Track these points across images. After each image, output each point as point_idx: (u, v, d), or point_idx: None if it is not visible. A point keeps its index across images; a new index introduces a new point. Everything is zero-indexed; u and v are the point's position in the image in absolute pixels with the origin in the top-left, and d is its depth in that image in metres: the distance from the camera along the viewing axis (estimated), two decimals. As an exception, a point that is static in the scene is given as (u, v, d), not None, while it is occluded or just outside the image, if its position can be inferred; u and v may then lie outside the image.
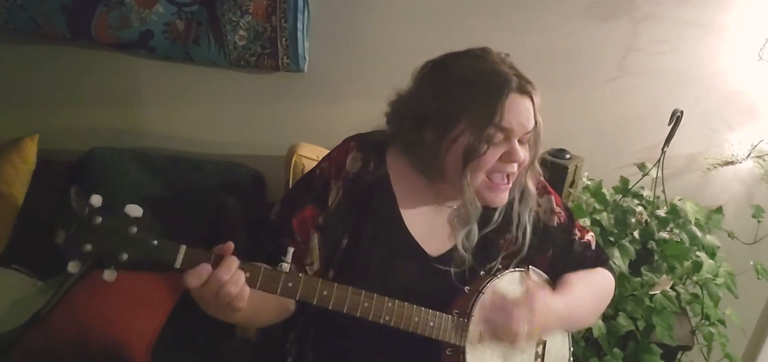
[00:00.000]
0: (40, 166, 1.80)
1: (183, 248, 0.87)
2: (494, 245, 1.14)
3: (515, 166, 1.06)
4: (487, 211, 1.12)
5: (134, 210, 0.86)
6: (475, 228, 1.10)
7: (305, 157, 1.62)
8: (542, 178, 1.20)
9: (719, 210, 1.68)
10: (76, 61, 1.84)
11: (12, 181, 1.74)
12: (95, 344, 1.41)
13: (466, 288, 1.10)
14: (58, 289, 1.61)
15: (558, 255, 1.22)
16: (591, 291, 1.21)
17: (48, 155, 1.83)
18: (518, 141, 1.04)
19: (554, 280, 1.20)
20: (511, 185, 1.09)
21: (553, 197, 1.22)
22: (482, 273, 1.12)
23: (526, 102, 1.02)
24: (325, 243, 1.09)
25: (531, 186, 1.14)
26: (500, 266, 1.13)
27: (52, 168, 1.83)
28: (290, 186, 1.57)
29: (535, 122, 1.05)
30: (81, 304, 1.50)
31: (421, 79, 1.08)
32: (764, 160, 1.72)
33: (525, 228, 1.15)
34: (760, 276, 1.62)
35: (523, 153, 1.05)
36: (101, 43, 1.76)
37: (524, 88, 1.02)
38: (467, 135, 1.01)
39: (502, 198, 1.08)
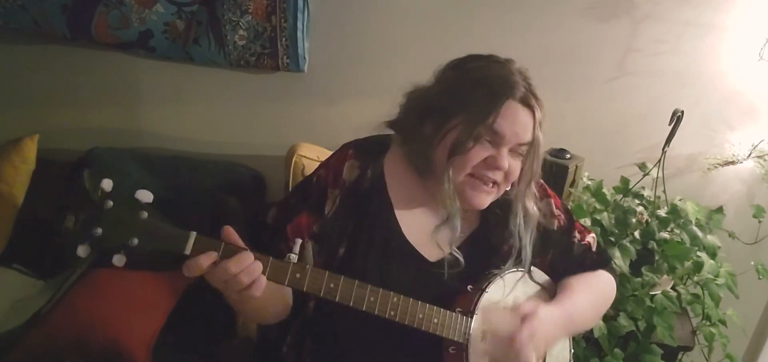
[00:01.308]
0: (40, 166, 1.80)
1: (193, 235, 0.87)
2: (496, 253, 1.14)
3: (500, 174, 1.04)
4: (499, 230, 1.12)
5: (145, 196, 0.85)
6: (457, 223, 1.07)
7: (305, 157, 1.62)
8: (541, 181, 1.19)
9: (720, 210, 1.67)
10: (76, 61, 1.84)
11: (12, 181, 1.73)
12: (95, 344, 1.40)
13: (469, 286, 1.10)
14: (58, 289, 1.61)
15: (558, 258, 1.22)
16: (592, 294, 1.21)
17: (48, 155, 1.82)
18: (511, 151, 1.03)
19: (555, 282, 1.20)
20: (494, 191, 1.07)
21: (552, 200, 1.22)
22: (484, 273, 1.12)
23: (525, 114, 1.01)
24: (322, 251, 1.09)
25: (530, 206, 1.13)
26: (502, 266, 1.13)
27: (52, 168, 1.81)
28: (288, 191, 1.56)
29: (533, 137, 1.03)
30: (81, 304, 1.49)
31: (438, 75, 1.09)
32: (765, 160, 1.72)
33: (526, 249, 1.13)
34: (761, 277, 1.62)
35: (509, 163, 1.03)
36: (101, 43, 1.76)
37: (528, 100, 1.01)
38: (459, 129, 1.01)
39: (482, 200, 1.07)
